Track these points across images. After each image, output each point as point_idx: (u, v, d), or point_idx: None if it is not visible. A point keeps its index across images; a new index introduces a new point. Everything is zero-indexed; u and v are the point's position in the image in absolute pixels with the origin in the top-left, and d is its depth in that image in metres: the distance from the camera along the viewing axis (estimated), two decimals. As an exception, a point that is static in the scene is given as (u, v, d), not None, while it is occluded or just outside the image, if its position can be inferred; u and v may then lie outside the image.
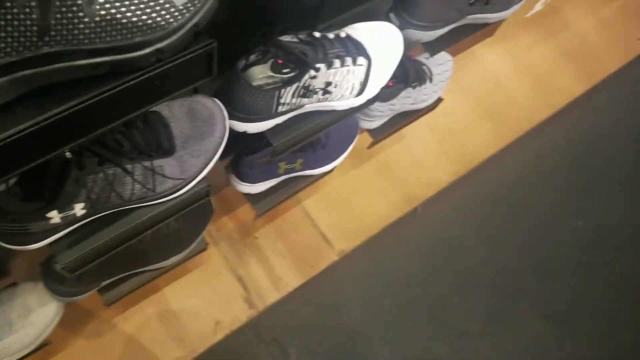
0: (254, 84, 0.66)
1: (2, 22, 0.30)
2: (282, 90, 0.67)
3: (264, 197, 1.05)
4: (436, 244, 1.43)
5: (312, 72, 0.66)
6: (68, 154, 0.54)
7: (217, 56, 0.42)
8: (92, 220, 0.61)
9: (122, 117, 0.42)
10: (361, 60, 0.72)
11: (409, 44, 0.84)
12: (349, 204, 1.37)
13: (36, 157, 0.38)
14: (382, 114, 1.10)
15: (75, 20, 0.33)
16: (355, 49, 0.72)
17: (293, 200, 1.32)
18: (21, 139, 0.35)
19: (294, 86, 0.67)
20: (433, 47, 0.88)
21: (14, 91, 0.34)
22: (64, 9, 0.32)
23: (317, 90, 0.70)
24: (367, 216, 1.37)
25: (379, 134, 1.18)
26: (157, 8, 0.36)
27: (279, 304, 1.24)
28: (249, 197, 1.05)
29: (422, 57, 1.17)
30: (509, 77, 1.64)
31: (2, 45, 0.31)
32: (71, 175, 0.53)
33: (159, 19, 0.37)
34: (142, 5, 0.35)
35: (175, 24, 0.38)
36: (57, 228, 0.58)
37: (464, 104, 1.56)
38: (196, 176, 0.65)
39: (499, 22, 0.97)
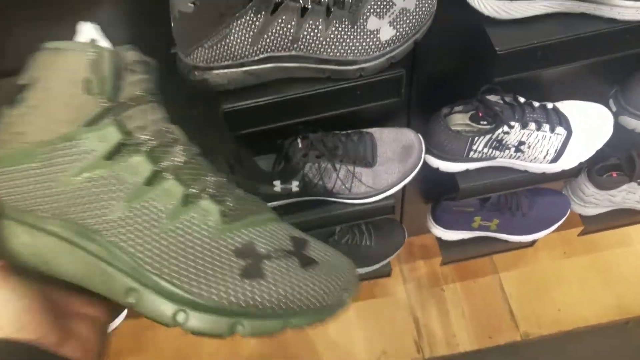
0: (452, 128, 0.78)
1: (273, 30, 0.51)
2: (476, 138, 0.77)
3: (455, 246, 1.14)
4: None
5: (505, 128, 0.76)
6: (300, 144, 0.76)
7: (409, 85, 0.57)
8: (300, 201, 0.81)
9: (331, 111, 0.60)
10: (560, 130, 0.78)
11: (626, 133, 0.85)
12: (550, 290, 1.33)
13: (277, 121, 0.60)
14: (598, 202, 1.08)
15: (314, 37, 0.53)
16: (557, 119, 0.78)
17: (490, 267, 1.36)
18: (271, 104, 0.57)
19: (487, 137, 0.77)
20: None
21: (274, 75, 0.56)
22: (309, 29, 0.52)
23: (510, 146, 0.78)
24: (567, 309, 1.30)
25: (594, 224, 1.15)
26: (368, 40, 0.54)
27: None
28: (441, 242, 1.15)
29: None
30: None
31: (272, 45, 0.53)
32: (297, 157, 0.74)
33: (367, 47, 0.54)
34: (357, 35, 0.53)
35: (377, 52, 0.54)
36: (276, 197, 0.80)
37: None
38: (385, 190, 0.80)
39: None
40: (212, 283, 0.33)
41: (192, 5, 0.48)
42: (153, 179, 0.35)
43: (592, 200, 1.08)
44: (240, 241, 0.35)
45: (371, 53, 0.54)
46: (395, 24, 0.54)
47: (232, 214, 0.36)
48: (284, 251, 0.36)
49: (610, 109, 0.84)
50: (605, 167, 1.04)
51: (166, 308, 0.33)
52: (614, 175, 1.04)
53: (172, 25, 0.52)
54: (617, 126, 0.85)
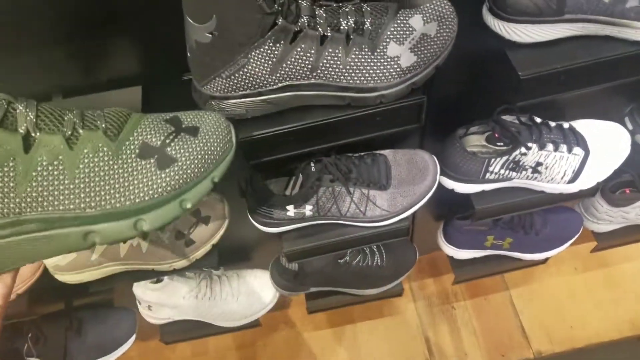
0: (468, 149, 0.77)
1: (292, 59, 0.50)
2: (492, 160, 0.76)
3: (467, 265, 1.12)
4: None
5: (523, 149, 0.74)
6: (313, 168, 0.74)
7: (426, 108, 0.56)
8: (313, 225, 0.79)
9: (351, 137, 0.59)
10: (577, 150, 0.76)
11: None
12: (561, 307, 1.31)
13: (295, 148, 0.58)
14: (611, 219, 1.07)
15: (334, 65, 0.51)
16: (574, 139, 0.77)
17: (500, 284, 1.34)
18: (291, 132, 0.56)
19: (504, 158, 0.76)
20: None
21: (292, 103, 0.55)
22: (329, 57, 0.51)
23: (527, 167, 0.77)
24: (579, 326, 1.28)
25: (607, 241, 1.13)
26: (388, 67, 0.52)
27: (458, 379, 1.25)
28: (452, 261, 1.13)
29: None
30: None
31: (290, 74, 0.51)
32: (310, 182, 0.73)
33: (387, 74, 0.52)
34: (377, 62, 0.52)
35: (398, 79, 0.53)
36: (290, 221, 0.78)
37: None
38: (401, 213, 0.78)
39: None
40: (144, 187, 0.37)
41: (210, 35, 0.47)
42: (27, 145, 0.35)
43: (605, 217, 1.06)
44: (135, 147, 0.39)
45: (392, 80, 0.53)
46: (416, 50, 0.53)
47: (111, 131, 0.39)
48: (170, 134, 0.40)
49: (626, 127, 0.83)
50: (619, 183, 1.02)
51: (124, 226, 0.37)
52: (627, 192, 1.03)
53: (189, 55, 0.51)
54: (632, 144, 0.84)
